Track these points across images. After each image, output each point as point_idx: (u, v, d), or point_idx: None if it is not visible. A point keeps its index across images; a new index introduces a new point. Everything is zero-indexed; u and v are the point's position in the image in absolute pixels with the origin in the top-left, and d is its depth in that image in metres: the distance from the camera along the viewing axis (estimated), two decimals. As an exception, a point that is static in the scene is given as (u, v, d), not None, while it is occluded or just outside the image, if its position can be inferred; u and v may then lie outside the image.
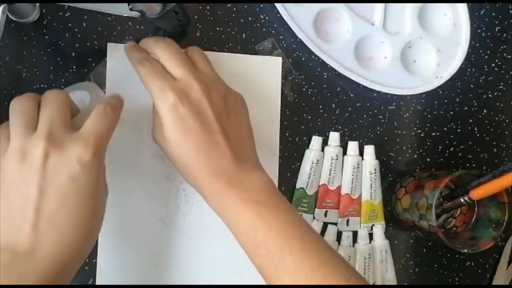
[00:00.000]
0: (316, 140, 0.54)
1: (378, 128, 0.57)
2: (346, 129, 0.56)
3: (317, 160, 0.53)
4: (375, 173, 0.55)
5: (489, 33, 0.60)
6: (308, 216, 0.54)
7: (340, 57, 0.54)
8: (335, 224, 0.55)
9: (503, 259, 0.59)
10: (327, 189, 0.54)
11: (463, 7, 0.58)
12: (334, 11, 0.55)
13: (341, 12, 0.55)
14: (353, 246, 0.55)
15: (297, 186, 0.54)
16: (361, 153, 0.55)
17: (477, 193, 0.50)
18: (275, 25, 0.54)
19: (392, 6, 0.57)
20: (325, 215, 0.54)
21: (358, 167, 0.54)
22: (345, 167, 0.55)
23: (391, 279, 0.55)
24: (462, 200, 0.52)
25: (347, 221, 0.55)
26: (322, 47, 0.53)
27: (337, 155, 0.54)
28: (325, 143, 0.55)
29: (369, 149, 0.55)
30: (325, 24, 0.55)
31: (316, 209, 0.54)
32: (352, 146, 0.55)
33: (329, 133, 0.55)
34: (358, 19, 0.55)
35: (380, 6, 0.56)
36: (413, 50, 0.57)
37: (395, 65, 0.56)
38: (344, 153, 0.55)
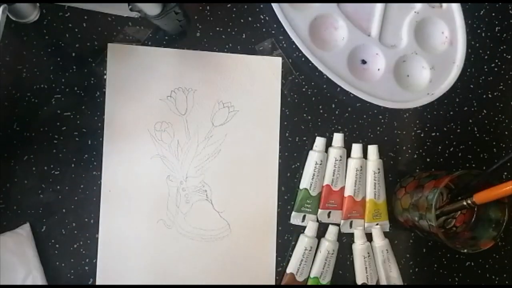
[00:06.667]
0: (320, 141, 0.54)
1: (378, 128, 0.57)
2: (346, 129, 0.56)
3: (321, 161, 0.53)
4: (378, 172, 0.55)
5: (489, 33, 0.60)
6: (311, 216, 0.54)
7: (332, 64, 0.54)
8: (338, 225, 0.55)
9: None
10: (330, 190, 0.54)
11: (461, 27, 0.57)
12: (331, 18, 0.55)
13: (338, 20, 0.55)
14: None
15: (301, 187, 0.54)
16: (364, 153, 0.55)
17: (481, 197, 0.50)
18: (275, 26, 0.54)
19: (390, 18, 0.56)
20: (328, 215, 0.54)
21: (361, 170, 0.54)
22: (349, 169, 0.54)
23: (396, 277, 0.54)
24: (464, 204, 0.51)
25: (351, 223, 0.55)
26: (316, 53, 0.53)
27: (340, 156, 0.54)
28: (328, 144, 0.55)
29: (373, 149, 0.55)
30: (322, 31, 0.55)
31: (320, 210, 0.54)
32: (356, 148, 0.55)
33: (329, 133, 0.55)
34: (354, 29, 0.55)
35: (378, 17, 0.56)
36: (407, 65, 0.57)
37: (388, 78, 0.56)
38: (348, 155, 0.55)
